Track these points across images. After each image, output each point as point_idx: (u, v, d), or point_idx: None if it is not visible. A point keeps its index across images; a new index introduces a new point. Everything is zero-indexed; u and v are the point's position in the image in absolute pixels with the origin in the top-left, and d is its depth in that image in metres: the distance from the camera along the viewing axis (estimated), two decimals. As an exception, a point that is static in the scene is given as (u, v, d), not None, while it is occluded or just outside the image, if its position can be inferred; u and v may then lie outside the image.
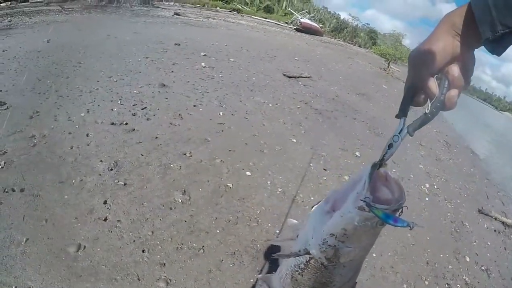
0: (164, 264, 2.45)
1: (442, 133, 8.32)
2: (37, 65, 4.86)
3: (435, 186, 4.91)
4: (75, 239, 2.45)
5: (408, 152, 5.48)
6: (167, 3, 18.25)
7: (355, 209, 0.64)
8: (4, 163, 3.00)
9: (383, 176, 0.66)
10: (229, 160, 3.70)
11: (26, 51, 5.27)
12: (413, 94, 0.64)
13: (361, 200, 0.62)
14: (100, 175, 3.05)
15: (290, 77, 7.96)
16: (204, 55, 7.74)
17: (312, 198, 3.43)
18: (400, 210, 0.63)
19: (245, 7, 23.25)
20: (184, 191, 3.12)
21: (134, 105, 4.15)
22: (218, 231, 2.83)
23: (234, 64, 7.70)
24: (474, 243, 3.74)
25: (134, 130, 3.68)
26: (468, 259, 3.37)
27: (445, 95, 0.59)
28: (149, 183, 3.11)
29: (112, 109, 3.95)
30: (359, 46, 30.05)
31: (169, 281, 2.31)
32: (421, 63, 0.60)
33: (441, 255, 3.24)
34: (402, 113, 0.65)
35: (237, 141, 4.07)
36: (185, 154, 3.56)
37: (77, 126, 3.56)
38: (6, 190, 2.78)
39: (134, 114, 3.96)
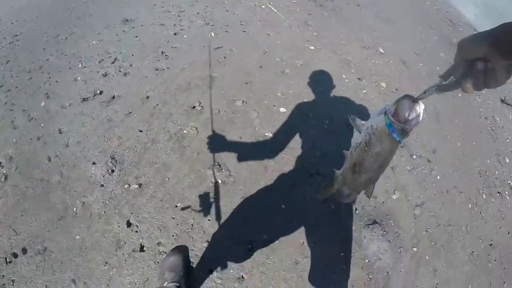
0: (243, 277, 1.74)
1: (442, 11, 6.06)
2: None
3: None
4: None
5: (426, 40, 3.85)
6: None
7: (382, 114, 0.79)
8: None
9: (410, 104, 0.76)
10: (252, 97, 2.52)
11: None
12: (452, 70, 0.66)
13: (385, 108, 0.78)
14: (102, 186, 1.94)
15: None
16: None
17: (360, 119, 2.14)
18: (406, 133, 0.75)
19: None
20: (219, 165, 1.91)
21: (100, 61, 2.64)
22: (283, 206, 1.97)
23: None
24: (507, 140, 3.08)
25: (114, 97, 2.32)
26: (507, 160, 2.82)
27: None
28: (169, 170, 1.96)
29: (75, 79, 2.49)
30: None
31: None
32: (459, 48, 0.62)
33: (488, 161, 2.69)
34: (444, 78, 0.69)
35: (248, 66, 2.78)
36: (194, 107, 2.22)
37: (42, 125, 2.25)
38: (7, 259, 1.94)
39: (105, 74, 2.49)
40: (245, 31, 3.11)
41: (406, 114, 0.77)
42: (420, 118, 0.77)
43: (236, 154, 2.18)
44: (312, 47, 3.09)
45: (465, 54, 0.60)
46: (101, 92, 2.50)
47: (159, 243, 1.88)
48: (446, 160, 2.51)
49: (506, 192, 2.53)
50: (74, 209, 2.02)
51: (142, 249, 1.87)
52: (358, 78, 2.90)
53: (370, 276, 1.80)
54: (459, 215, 2.20)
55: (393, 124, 0.75)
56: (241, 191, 2.03)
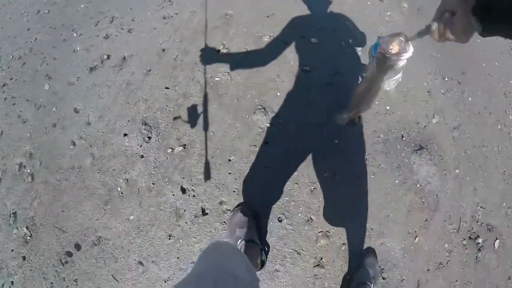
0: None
1: None
2: None
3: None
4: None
5: None
6: None
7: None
8: (27, 228, 1.87)
9: (400, 37, 0.83)
10: (278, 30, 2.17)
11: None
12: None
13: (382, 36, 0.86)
14: (142, 156, 1.68)
15: None
16: None
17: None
18: (386, 61, 0.85)
19: None
20: (264, 108, 1.66)
21: (96, 24, 2.29)
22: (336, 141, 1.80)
23: None
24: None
25: (125, 58, 1.99)
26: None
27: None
28: (211, 124, 1.77)
29: (74, 50, 2.15)
30: None
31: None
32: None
33: (510, 82, 2.47)
34: (427, 27, 0.71)
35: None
36: (218, 51, 1.86)
37: (54, 110, 2.02)
38: (62, 259, 1.77)
39: (107, 37, 2.15)
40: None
41: (397, 48, 0.84)
42: (407, 56, 0.83)
43: (278, 93, 1.87)
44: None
45: (442, 5, 0.63)
46: (108, 57, 2.16)
47: (221, 202, 1.68)
48: (474, 81, 2.35)
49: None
50: (119, 189, 1.78)
51: (204, 212, 1.67)
52: (380, 0, 2.54)
53: (423, 200, 1.77)
54: (491, 136, 2.16)
55: (378, 48, 0.84)
56: (293, 132, 1.76)
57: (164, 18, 2.27)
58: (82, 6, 2.54)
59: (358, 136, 1.88)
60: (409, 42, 0.82)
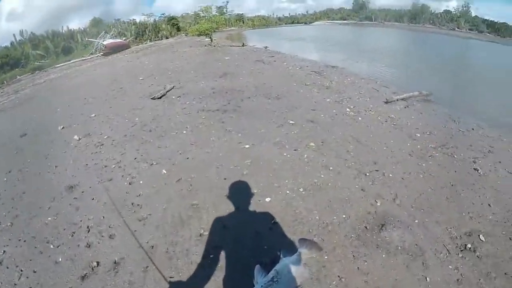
0: None
1: (308, 68, 9.59)
2: None
3: (351, 107, 5.82)
4: None
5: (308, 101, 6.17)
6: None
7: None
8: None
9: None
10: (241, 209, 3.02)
11: None
12: None
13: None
14: None
15: (159, 98, 7.20)
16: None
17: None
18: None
19: (42, 61, 21.91)
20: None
21: (72, 235, 2.74)
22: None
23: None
24: (408, 124, 5.04)
25: (116, 262, 2.54)
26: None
27: None
28: None
29: (56, 262, 2.56)
30: (167, 38, 31.57)
31: None
32: None
33: None
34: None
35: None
36: (200, 234, 2.74)
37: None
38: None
39: (88, 245, 2.68)
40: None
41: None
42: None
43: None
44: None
45: None
46: (98, 263, 2.50)
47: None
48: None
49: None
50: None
51: None
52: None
53: (410, 254, 2.38)
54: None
55: None
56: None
57: (140, 220, 2.92)
58: (49, 219, 2.92)
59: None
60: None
